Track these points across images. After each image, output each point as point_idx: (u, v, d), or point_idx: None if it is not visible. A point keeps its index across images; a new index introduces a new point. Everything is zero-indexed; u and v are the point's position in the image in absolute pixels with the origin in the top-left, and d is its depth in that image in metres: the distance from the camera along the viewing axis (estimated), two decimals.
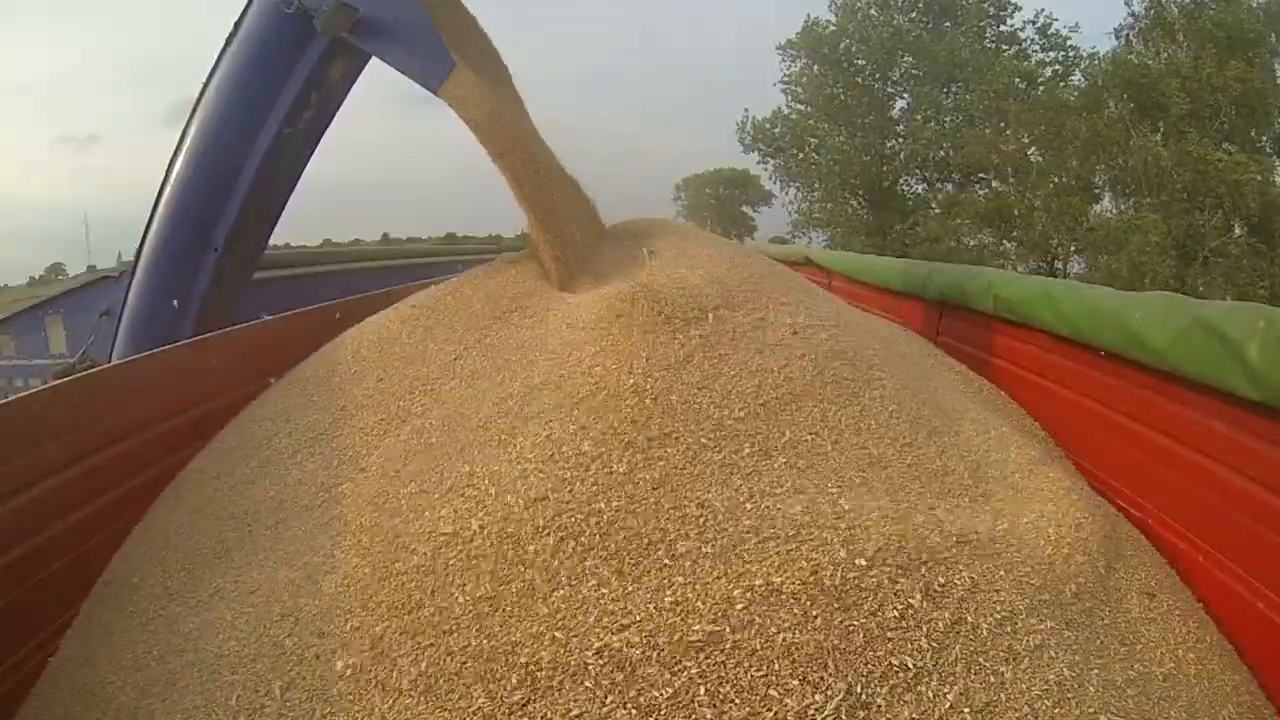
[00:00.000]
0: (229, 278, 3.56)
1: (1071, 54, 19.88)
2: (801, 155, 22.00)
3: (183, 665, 1.44)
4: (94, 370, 2.36)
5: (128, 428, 2.11)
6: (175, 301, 3.45)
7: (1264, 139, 16.86)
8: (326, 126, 3.52)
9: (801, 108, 22.01)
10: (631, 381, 1.76)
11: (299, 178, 3.63)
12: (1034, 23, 20.48)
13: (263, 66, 3.30)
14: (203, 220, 3.43)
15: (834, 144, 21.25)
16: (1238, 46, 15.87)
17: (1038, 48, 20.54)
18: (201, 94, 3.43)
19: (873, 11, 20.89)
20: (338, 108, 3.50)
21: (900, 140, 21.69)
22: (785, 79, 22.03)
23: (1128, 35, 17.92)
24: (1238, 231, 16.03)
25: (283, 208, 3.68)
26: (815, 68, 21.49)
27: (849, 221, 21.63)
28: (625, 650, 1.20)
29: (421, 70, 2.68)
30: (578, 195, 2.85)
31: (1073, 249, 18.32)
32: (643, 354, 1.85)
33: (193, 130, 3.45)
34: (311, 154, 3.59)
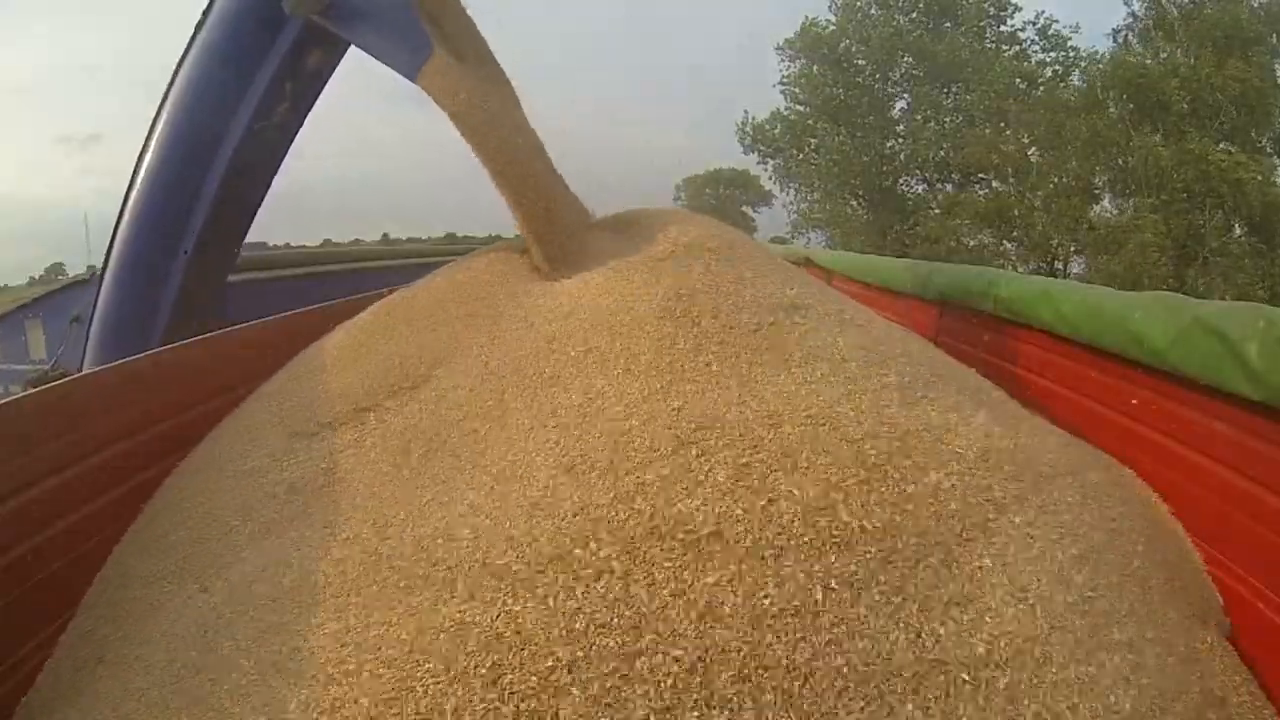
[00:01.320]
0: (201, 281, 3.36)
1: (1072, 54, 19.91)
2: (801, 156, 21.99)
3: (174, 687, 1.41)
4: (71, 378, 2.25)
5: (111, 435, 2.04)
6: (144, 306, 3.25)
7: (1264, 139, 16.86)
8: (302, 121, 3.33)
9: (801, 108, 22.01)
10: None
11: (274, 175, 3.42)
12: (1034, 23, 20.52)
13: (232, 54, 3.10)
14: (171, 220, 3.24)
15: (833, 144, 21.23)
16: (1236, 46, 15.87)
17: (1038, 48, 20.57)
18: (171, 84, 3.21)
19: (873, 11, 20.88)
20: (314, 100, 3.31)
21: (900, 140, 21.67)
22: (784, 79, 22.06)
23: (1125, 36, 17.94)
24: (1238, 231, 16.03)
25: (256, 207, 3.46)
26: (814, 68, 21.48)
27: (849, 222, 21.62)
28: None
29: (398, 56, 2.53)
30: (566, 194, 2.75)
31: (1073, 249, 18.33)
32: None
33: (161, 124, 3.23)
34: (286, 150, 3.38)
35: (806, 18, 21.38)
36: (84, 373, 2.28)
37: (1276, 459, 1.46)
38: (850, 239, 20.74)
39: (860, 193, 21.67)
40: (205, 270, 3.36)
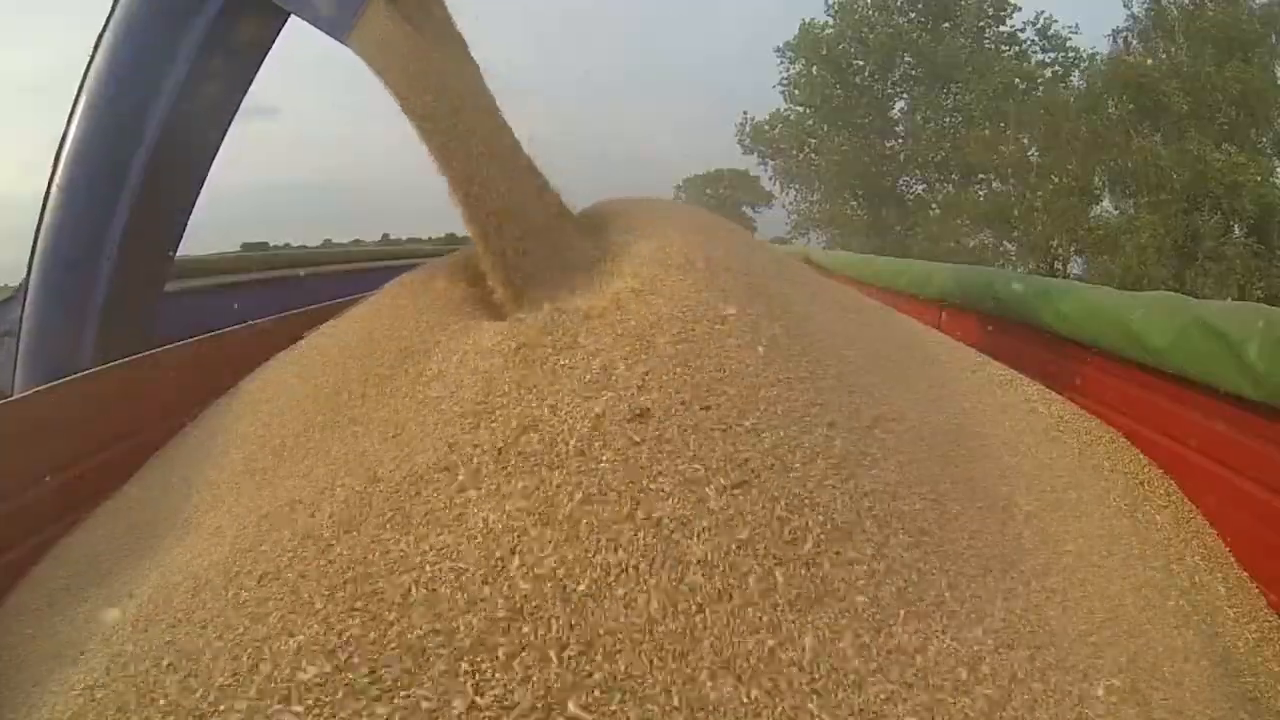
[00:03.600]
0: (131, 290, 2.96)
1: (1071, 55, 19.96)
2: (801, 156, 22.04)
3: None
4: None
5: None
6: (71, 320, 2.87)
7: (1264, 140, 16.87)
8: (237, 103, 2.94)
9: (800, 109, 22.06)
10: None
11: (208, 166, 3.01)
12: (1034, 24, 20.57)
13: (150, 27, 2.74)
14: (91, 221, 2.87)
15: (833, 145, 21.28)
16: (1236, 47, 15.89)
17: (1038, 49, 20.62)
18: (88, 68, 2.83)
19: (870, 13, 20.93)
20: (250, 79, 2.92)
21: (900, 141, 21.72)
22: (784, 81, 22.12)
23: (1125, 37, 17.94)
24: (1237, 233, 16.04)
25: (190, 204, 3.05)
26: (814, 69, 21.54)
27: (849, 222, 21.66)
28: None
29: (325, 12, 2.17)
30: (536, 182, 2.29)
31: (1073, 249, 18.35)
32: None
33: (78, 112, 2.82)
34: (221, 137, 2.98)
35: (805, 19, 21.48)
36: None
37: (1276, 459, 1.46)
38: (850, 239, 20.76)
39: (860, 193, 21.71)
40: (134, 277, 2.95)
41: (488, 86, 2.31)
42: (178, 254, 3.26)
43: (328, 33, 2.17)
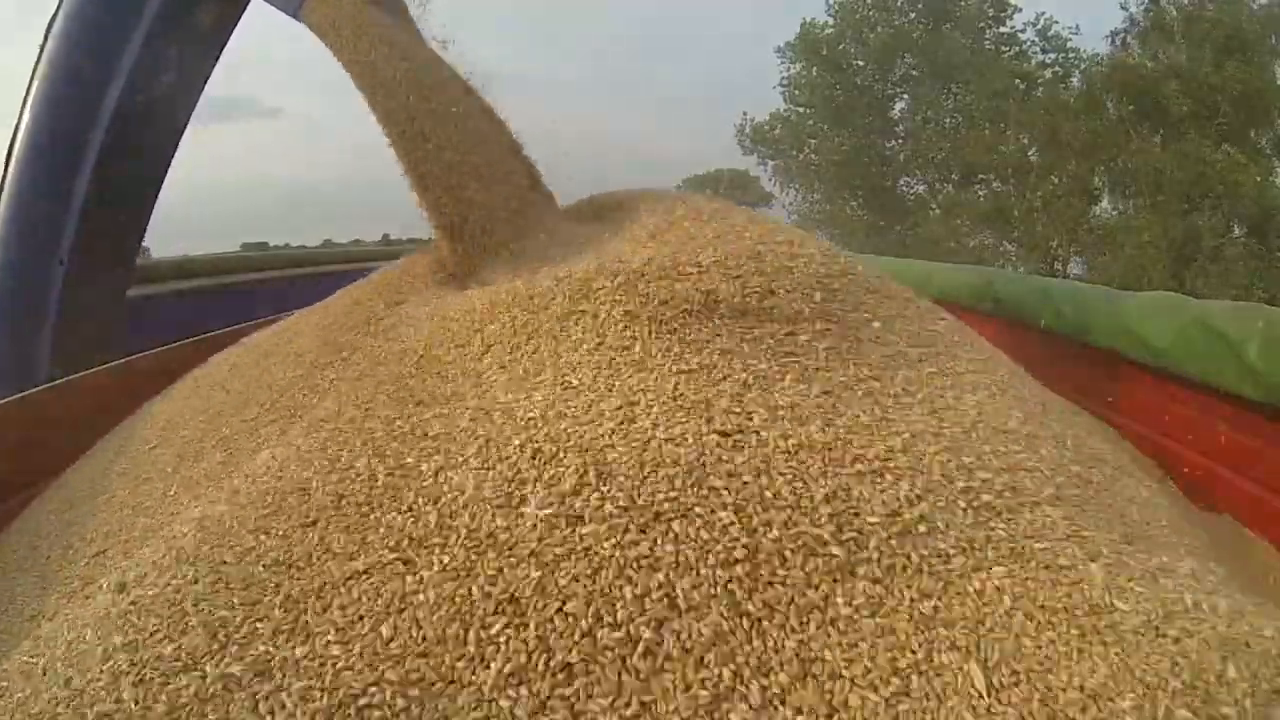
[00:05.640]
0: (88, 298, 2.78)
1: (1071, 56, 19.96)
2: (801, 157, 22.06)
3: None
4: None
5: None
6: (28, 331, 2.70)
7: (1264, 140, 16.86)
8: (197, 96, 2.79)
9: (801, 109, 22.07)
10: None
11: (167, 163, 2.84)
12: (1034, 24, 20.57)
13: (101, 12, 2.61)
14: (43, 224, 2.71)
15: (833, 145, 21.29)
16: (1236, 47, 15.89)
17: (1038, 49, 20.63)
18: (39, 55, 2.67)
19: (870, 13, 20.95)
20: (207, 72, 2.77)
21: (900, 141, 21.73)
22: (784, 81, 22.13)
23: (1123, 38, 17.93)
24: (1236, 233, 16.04)
25: (149, 208, 2.89)
26: (814, 70, 21.55)
27: (849, 222, 21.67)
28: None
29: None
30: (514, 161, 2.18)
31: (1073, 250, 18.35)
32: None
33: (27, 110, 2.68)
34: (180, 133, 2.82)
35: (805, 19, 21.50)
36: None
37: (1276, 459, 1.46)
38: (850, 239, 20.76)
39: (860, 193, 21.71)
40: (89, 287, 2.79)
41: (447, 63, 2.23)
42: (181, 255, 3.23)
43: (281, 9, 2.11)
